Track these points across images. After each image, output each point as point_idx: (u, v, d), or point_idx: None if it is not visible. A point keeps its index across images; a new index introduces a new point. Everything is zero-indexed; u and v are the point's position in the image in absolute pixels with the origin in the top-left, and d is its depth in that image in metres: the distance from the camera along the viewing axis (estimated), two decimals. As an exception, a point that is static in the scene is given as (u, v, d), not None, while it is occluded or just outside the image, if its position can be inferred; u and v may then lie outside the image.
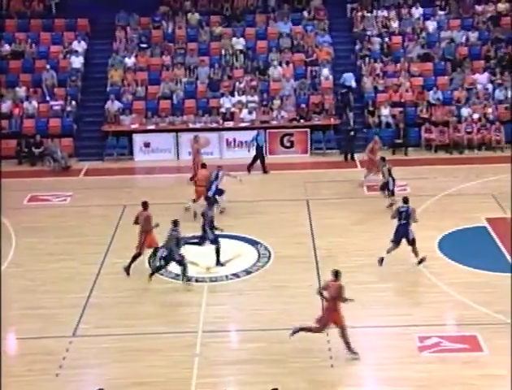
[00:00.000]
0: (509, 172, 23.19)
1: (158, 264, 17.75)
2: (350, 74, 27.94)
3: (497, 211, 20.75)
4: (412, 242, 17.45)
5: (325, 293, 14.24)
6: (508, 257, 18.05)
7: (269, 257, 18.50)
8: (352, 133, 25.75)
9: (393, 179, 21.14)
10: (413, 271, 17.47)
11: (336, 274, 14.18)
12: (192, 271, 17.87)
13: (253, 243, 19.28)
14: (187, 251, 18.13)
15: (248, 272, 17.80)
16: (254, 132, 26.46)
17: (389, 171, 21.25)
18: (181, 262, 17.20)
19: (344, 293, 14.01)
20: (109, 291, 17.16)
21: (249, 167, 24.67)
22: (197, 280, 17.52)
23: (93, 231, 20.44)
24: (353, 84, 27.77)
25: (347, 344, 14.07)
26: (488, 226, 19.77)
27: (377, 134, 24.61)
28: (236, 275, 17.70)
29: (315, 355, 14.30)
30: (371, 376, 13.84)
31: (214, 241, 18.18)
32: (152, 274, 17.40)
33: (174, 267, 18.06)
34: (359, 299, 16.23)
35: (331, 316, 14.06)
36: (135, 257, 17.76)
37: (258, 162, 24.88)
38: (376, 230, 19.76)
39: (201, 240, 18.43)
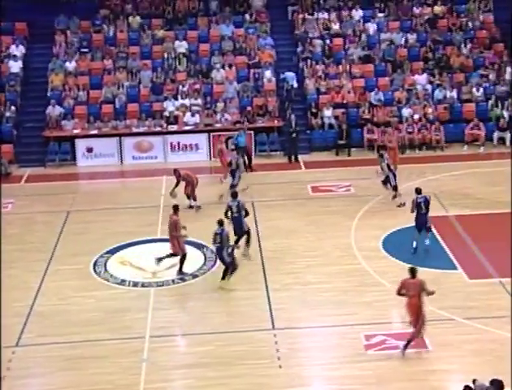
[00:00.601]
0: (449, 171, 23.73)
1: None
2: (292, 74, 28.16)
3: (439, 210, 21.09)
4: (429, 229, 18.36)
5: (404, 292, 14.17)
6: (450, 254, 18.38)
7: (215, 261, 18.45)
8: (294, 135, 25.90)
9: (394, 174, 21.48)
10: (358, 271, 17.66)
11: (413, 271, 14.26)
12: (138, 276, 17.76)
13: (199, 246, 19.22)
14: (138, 256, 18.10)
15: (194, 276, 17.74)
16: (198, 135, 26.52)
17: (388, 166, 21.56)
18: (231, 263, 16.94)
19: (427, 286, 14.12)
20: (53, 298, 16.89)
21: (246, 169, 24.55)
22: (143, 285, 17.38)
23: (35, 238, 20.12)
24: (295, 83, 28.02)
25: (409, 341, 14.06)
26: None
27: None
28: (182, 279, 17.61)
29: (263, 357, 14.32)
30: (319, 376, 13.92)
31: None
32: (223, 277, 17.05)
33: (120, 272, 17.92)
34: (306, 299, 16.41)
35: (419, 311, 14.07)
36: (182, 260, 17.70)
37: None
38: (322, 230, 19.94)
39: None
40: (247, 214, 18.42)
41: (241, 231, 18.18)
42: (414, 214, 18.42)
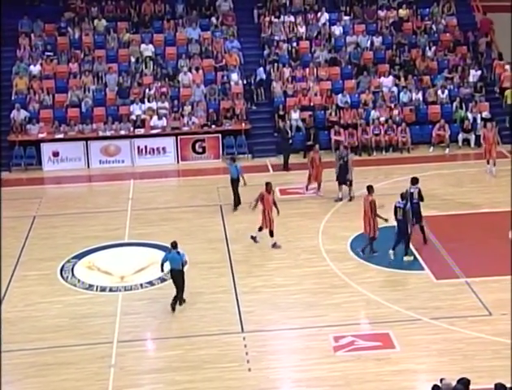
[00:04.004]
0: (415, 173, 23.88)
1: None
2: (261, 68, 28.38)
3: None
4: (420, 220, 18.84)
5: None
6: (417, 255, 18.51)
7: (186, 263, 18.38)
8: (291, 141, 25.76)
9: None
10: (326, 273, 17.73)
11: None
12: (106, 281, 17.63)
13: (166, 250, 19.10)
14: (106, 260, 17.91)
15: (163, 280, 17.65)
16: (165, 139, 26.38)
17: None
18: (409, 237, 17.95)
19: None
20: (19, 304, 16.70)
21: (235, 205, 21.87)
22: (111, 290, 17.27)
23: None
24: (264, 75, 28.23)
25: None
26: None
27: None
28: (150, 283, 17.53)
29: (232, 360, 14.31)
30: (288, 378, 13.93)
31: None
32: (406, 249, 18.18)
33: (88, 277, 17.80)
34: (275, 302, 16.44)
35: None
36: (371, 242, 18.38)
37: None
38: (290, 233, 19.97)
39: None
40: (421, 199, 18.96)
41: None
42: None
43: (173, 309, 16.08)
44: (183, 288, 16.23)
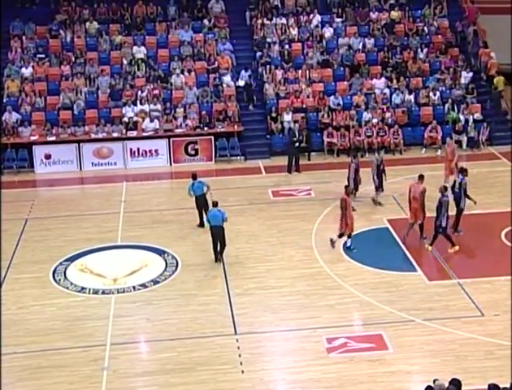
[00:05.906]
0: (408, 174, 23.95)
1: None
2: (243, 71, 28.45)
3: (398, 212, 21.33)
4: (460, 212, 19.41)
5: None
6: (410, 256, 18.57)
7: (176, 266, 18.42)
8: (297, 144, 25.50)
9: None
10: (319, 274, 17.75)
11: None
12: (98, 283, 17.61)
13: (160, 252, 19.16)
14: (98, 263, 17.85)
15: (155, 282, 17.66)
16: (158, 141, 26.35)
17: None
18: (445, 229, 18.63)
19: None
20: (11, 307, 16.66)
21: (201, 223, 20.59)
22: (103, 292, 17.24)
23: (-7, 246, 19.78)
24: (248, 79, 28.33)
25: None
26: (390, 227, 20.31)
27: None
28: (143, 286, 17.51)
29: (226, 362, 14.31)
30: (282, 380, 13.94)
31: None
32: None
33: (80, 280, 17.77)
34: (268, 304, 16.44)
35: None
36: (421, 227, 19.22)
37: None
38: (283, 235, 20.00)
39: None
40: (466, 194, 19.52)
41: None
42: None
43: (218, 259, 18.22)
44: (224, 242, 18.09)
